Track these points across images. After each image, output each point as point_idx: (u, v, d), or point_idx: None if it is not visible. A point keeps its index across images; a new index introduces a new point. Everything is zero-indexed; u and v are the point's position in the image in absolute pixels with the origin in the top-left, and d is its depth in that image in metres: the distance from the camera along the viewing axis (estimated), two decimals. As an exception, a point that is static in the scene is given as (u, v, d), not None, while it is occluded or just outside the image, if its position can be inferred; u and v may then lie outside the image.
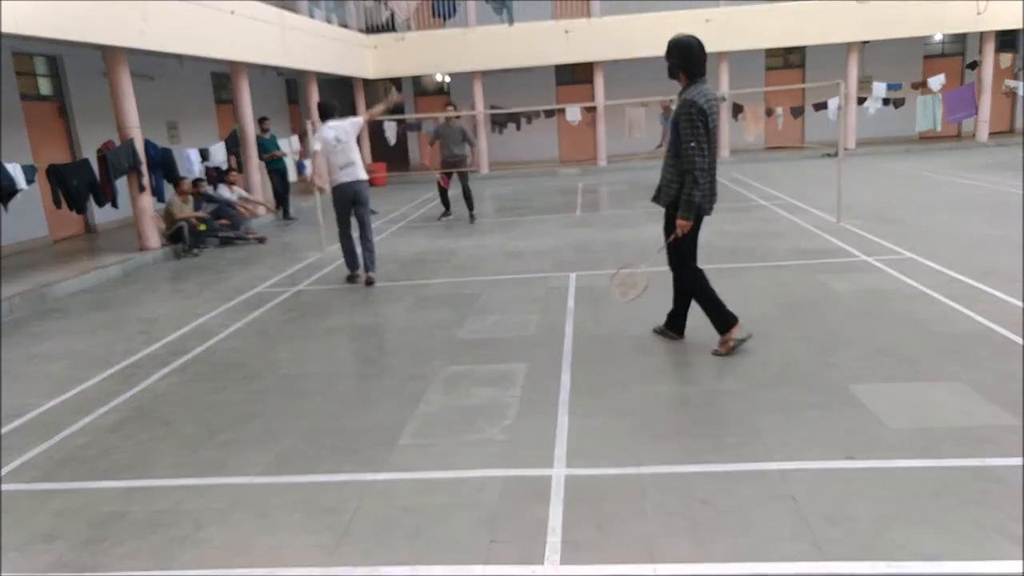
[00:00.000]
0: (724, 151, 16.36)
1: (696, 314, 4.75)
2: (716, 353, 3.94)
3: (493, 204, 11.92)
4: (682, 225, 3.80)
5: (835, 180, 7.99)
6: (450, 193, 10.11)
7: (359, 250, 6.42)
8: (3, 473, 3.15)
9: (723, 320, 3.95)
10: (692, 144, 3.67)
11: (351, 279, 6.40)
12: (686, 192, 3.73)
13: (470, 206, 9.83)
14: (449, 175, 9.87)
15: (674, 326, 4.26)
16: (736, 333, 3.93)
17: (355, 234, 6.43)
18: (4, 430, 3.64)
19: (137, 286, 7.14)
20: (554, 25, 15.77)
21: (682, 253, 3.96)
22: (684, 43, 3.76)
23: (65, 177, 7.89)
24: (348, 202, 6.23)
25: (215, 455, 3.17)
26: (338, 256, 7.89)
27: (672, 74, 3.83)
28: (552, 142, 18.40)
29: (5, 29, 6.04)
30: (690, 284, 4.01)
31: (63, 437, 3.50)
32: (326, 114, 6.24)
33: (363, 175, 6.18)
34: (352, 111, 17.73)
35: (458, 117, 10.10)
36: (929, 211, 8.15)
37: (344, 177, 6.07)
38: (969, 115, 15.53)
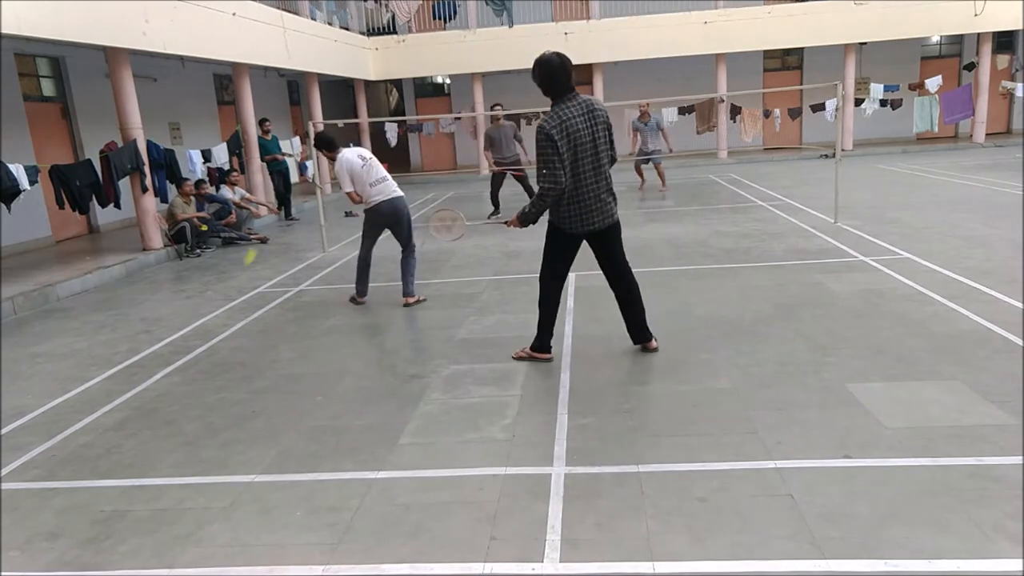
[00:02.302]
0: (722, 152, 16.42)
1: (691, 314, 4.77)
2: (515, 355, 4.11)
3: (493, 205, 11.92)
4: (513, 222, 3.90)
5: (832, 181, 8.01)
6: (504, 192, 10.22)
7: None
8: (6, 472, 3.17)
9: (544, 339, 4.01)
10: (544, 171, 3.58)
11: (355, 300, 5.70)
12: (530, 206, 3.75)
13: (531, 193, 9.95)
14: (503, 176, 9.98)
15: (640, 336, 4.08)
16: (539, 357, 4.02)
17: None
18: (7, 429, 3.65)
19: (140, 286, 7.16)
20: (554, 27, 15.80)
21: (543, 259, 3.92)
22: (543, 61, 3.58)
23: (68, 178, 7.91)
24: (384, 224, 5.55)
25: (217, 454, 3.19)
26: (339, 256, 7.92)
27: (544, 94, 3.66)
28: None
29: (8, 30, 6.06)
30: (541, 291, 3.97)
31: (66, 436, 3.51)
32: (333, 146, 5.60)
33: (399, 189, 5.51)
34: (353, 112, 17.77)
35: (528, 121, 10.00)
36: (926, 211, 8.17)
37: (378, 196, 5.40)
38: (966, 116, 15.56)
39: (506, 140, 9.75)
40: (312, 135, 10.07)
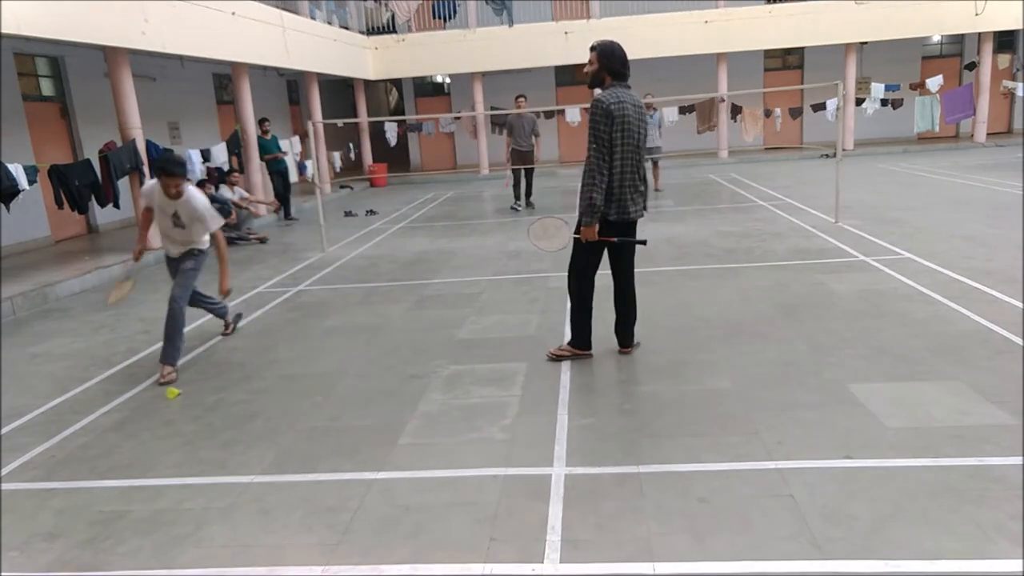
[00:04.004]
0: (723, 152, 16.40)
1: (691, 314, 4.76)
2: (549, 356, 4.04)
3: (493, 204, 11.94)
4: (584, 232, 3.73)
5: (833, 180, 8.00)
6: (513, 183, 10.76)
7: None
8: (5, 472, 3.16)
9: (582, 338, 3.97)
10: (593, 146, 3.62)
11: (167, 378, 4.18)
12: (584, 195, 3.66)
13: (528, 193, 10.68)
14: (516, 171, 10.52)
15: (622, 339, 4.09)
16: (581, 353, 3.96)
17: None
18: (6, 429, 3.65)
19: (139, 286, 7.11)
20: (554, 26, 15.80)
21: (577, 256, 3.88)
22: (608, 47, 3.68)
23: (67, 177, 7.90)
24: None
25: (216, 454, 3.18)
26: (339, 256, 7.92)
27: (595, 82, 3.73)
28: (552, 143, 18.42)
29: (7, 30, 6.05)
30: (576, 290, 3.92)
31: (64, 436, 3.51)
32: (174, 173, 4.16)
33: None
34: (353, 112, 17.76)
35: (537, 116, 10.56)
36: (927, 211, 8.16)
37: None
38: (967, 116, 15.55)
39: (525, 129, 10.26)
40: (311, 134, 10.13)
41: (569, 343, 4.05)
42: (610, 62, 3.69)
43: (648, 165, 11.44)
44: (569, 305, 4.06)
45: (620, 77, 3.70)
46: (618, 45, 3.72)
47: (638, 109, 3.71)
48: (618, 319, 4.08)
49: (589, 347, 4.02)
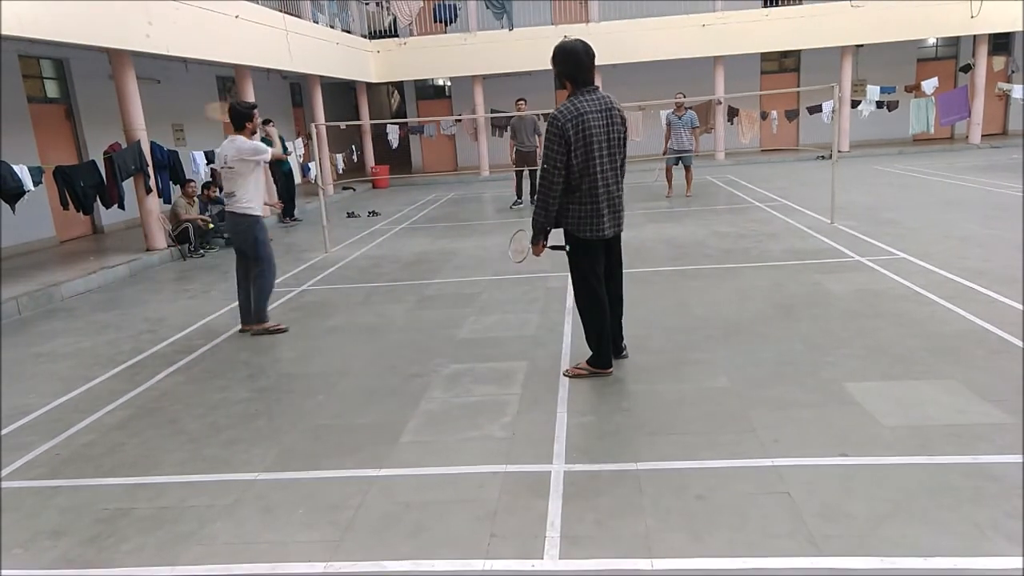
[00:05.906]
0: (719, 153, 16.44)
1: (689, 313, 4.79)
2: (566, 373, 3.81)
3: (494, 205, 11.98)
4: (533, 249, 3.53)
5: (829, 182, 8.05)
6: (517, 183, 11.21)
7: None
8: (10, 470, 3.19)
9: (603, 356, 3.71)
10: (545, 166, 3.36)
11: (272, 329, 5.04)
12: (534, 212, 3.46)
13: (533, 191, 10.63)
14: (519, 171, 10.94)
15: (615, 348, 3.88)
16: (602, 372, 3.73)
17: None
18: (11, 428, 3.67)
19: (143, 286, 7.18)
20: (553, 30, 15.79)
21: (585, 276, 3.58)
22: (569, 48, 3.38)
23: (72, 179, 7.96)
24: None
25: (219, 452, 3.21)
26: (342, 257, 7.96)
27: (560, 83, 3.48)
28: (552, 145, 18.45)
29: (10, 31, 6.09)
30: (588, 311, 3.65)
31: (69, 435, 3.54)
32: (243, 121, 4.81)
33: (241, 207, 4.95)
34: (355, 114, 17.81)
35: (538, 117, 10.84)
36: (922, 212, 8.19)
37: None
38: (962, 117, 15.58)
39: (526, 130, 10.59)
40: (314, 136, 10.16)
41: (591, 362, 3.75)
42: (565, 67, 3.38)
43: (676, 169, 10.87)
44: (583, 324, 3.76)
45: (579, 83, 3.38)
46: (576, 48, 3.37)
47: (606, 114, 3.38)
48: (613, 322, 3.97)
49: (608, 364, 3.75)
